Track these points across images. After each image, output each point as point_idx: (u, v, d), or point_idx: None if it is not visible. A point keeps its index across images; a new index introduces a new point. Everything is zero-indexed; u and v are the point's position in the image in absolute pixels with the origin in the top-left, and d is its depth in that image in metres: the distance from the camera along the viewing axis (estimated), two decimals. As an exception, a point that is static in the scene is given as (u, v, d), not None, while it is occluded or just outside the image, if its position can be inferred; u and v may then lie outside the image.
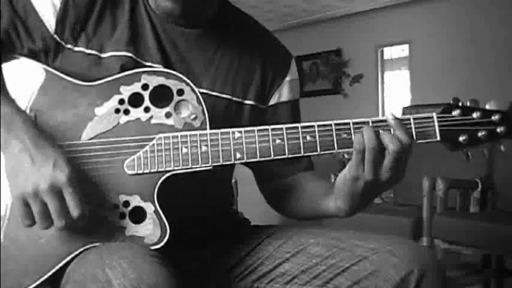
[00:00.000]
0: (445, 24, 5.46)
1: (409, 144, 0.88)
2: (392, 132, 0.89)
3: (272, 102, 1.12)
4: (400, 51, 6.01)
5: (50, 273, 0.88)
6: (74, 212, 0.85)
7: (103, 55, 0.98)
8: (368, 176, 0.89)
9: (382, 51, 6.13)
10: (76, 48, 0.98)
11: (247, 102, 1.08)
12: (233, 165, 1.00)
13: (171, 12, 1.01)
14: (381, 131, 0.89)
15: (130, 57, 0.99)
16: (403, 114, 5.40)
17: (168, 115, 0.93)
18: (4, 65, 0.96)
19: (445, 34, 5.43)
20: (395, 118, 0.90)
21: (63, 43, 0.97)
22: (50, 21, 0.97)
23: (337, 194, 0.96)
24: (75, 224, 0.86)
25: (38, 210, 0.84)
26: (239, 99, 1.07)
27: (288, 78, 1.13)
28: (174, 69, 0.99)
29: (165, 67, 1.00)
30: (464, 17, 5.31)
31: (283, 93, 1.12)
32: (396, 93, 6.05)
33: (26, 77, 0.96)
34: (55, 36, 0.97)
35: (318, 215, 1.04)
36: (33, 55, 0.97)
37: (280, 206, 1.13)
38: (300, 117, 1.16)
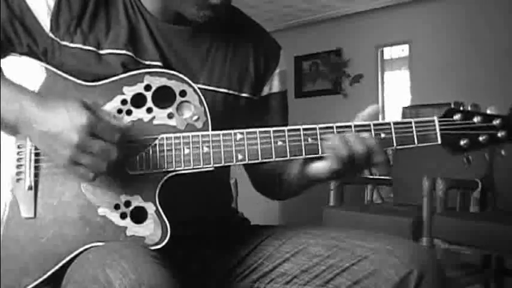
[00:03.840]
0: (445, 24, 5.45)
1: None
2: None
3: (263, 93, 1.13)
4: (400, 51, 6.00)
5: (50, 273, 0.89)
6: (115, 138, 0.85)
7: (101, 52, 0.98)
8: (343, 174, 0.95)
9: (382, 51, 6.12)
10: (72, 45, 0.98)
11: (243, 94, 1.09)
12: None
13: (205, 19, 1.00)
14: (346, 134, 0.91)
15: (129, 55, 0.99)
16: (403, 114, 5.41)
17: (170, 116, 0.93)
18: (6, 64, 0.96)
19: (445, 34, 5.43)
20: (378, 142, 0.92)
21: (58, 40, 0.98)
22: (44, 20, 0.97)
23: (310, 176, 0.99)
24: (126, 147, 0.88)
25: (88, 161, 0.85)
26: (235, 92, 1.08)
27: (278, 70, 1.15)
28: (171, 67, 0.99)
29: (164, 65, 1.00)
30: (464, 17, 5.31)
31: (273, 85, 1.14)
32: (396, 93, 6.04)
33: (28, 77, 0.96)
34: (50, 34, 0.97)
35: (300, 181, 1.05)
36: (32, 53, 0.98)
37: (276, 185, 1.13)
38: (287, 109, 1.18)
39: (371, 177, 3.77)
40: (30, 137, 0.90)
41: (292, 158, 0.93)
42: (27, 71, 0.97)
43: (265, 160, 0.92)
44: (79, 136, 0.83)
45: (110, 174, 0.88)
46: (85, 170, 0.86)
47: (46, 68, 0.96)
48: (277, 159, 0.92)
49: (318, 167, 0.95)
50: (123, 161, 0.89)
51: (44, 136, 0.85)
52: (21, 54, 0.98)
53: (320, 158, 0.94)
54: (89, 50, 0.98)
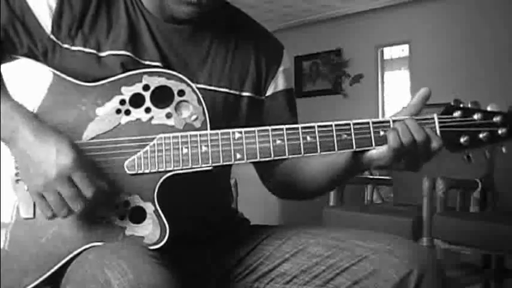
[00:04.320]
0: (445, 24, 5.45)
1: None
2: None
3: (269, 92, 1.13)
4: (400, 51, 6.00)
5: (49, 273, 0.89)
6: (87, 193, 0.85)
7: (101, 54, 0.98)
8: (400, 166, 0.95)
9: (382, 51, 6.13)
10: (74, 48, 0.98)
11: (244, 94, 1.09)
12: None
13: (189, 15, 0.99)
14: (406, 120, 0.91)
15: (129, 56, 0.99)
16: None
17: (168, 116, 0.93)
18: (7, 66, 0.96)
19: (445, 34, 5.43)
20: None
21: (60, 43, 0.97)
22: (46, 22, 0.97)
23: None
24: (93, 205, 0.87)
25: (53, 200, 0.85)
26: (236, 92, 1.08)
27: (281, 68, 1.14)
28: (171, 67, 0.99)
29: (163, 65, 1.00)
30: (464, 17, 5.31)
31: (279, 83, 1.14)
32: (396, 93, 6.05)
33: (28, 79, 0.96)
34: (52, 36, 0.97)
35: (336, 172, 1.03)
36: (33, 55, 0.97)
37: (294, 185, 1.11)
38: (296, 106, 1.17)
39: (371, 177, 3.76)
40: (13, 153, 0.90)
41: (290, 156, 0.92)
42: (32, 73, 0.97)
43: (263, 159, 0.92)
44: (55, 172, 0.84)
45: (67, 218, 0.88)
46: (45, 207, 0.86)
47: (51, 71, 0.96)
48: (275, 158, 0.92)
49: (378, 152, 0.93)
50: (85, 213, 0.88)
51: (25, 158, 0.86)
52: (22, 55, 0.97)
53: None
54: (89, 52, 0.98)
